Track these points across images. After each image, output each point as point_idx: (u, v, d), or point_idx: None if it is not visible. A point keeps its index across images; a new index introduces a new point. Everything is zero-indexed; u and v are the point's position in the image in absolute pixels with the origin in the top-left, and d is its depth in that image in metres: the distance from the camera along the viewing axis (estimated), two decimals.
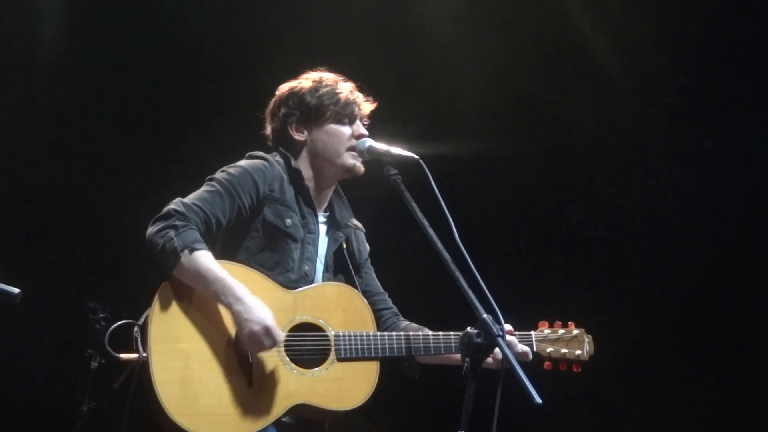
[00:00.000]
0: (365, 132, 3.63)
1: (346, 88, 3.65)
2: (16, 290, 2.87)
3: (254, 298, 3.24)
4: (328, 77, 3.69)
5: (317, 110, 3.60)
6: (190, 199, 3.37)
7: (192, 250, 3.22)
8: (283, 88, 3.71)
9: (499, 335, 2.80)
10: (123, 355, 3.23)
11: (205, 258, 3.24)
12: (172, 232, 3.23)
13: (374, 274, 3.83)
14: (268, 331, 3.20)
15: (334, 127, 3.60)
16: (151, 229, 3.29)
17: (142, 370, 3.18)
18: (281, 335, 3.25)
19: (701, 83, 5.99)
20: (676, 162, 6.20)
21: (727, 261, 6.11)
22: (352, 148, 3.59)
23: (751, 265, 6.09)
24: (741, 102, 5.97)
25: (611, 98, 6.14)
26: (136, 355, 3.19)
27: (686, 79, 5.99)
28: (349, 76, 3.77)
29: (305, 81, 3.68)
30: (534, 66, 6.16)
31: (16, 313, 4.34)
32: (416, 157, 3.36)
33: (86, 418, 5.76)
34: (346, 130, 3.61)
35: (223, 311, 3.28)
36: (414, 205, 3.24)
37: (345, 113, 3.61)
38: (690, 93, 6.03)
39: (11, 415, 6.08)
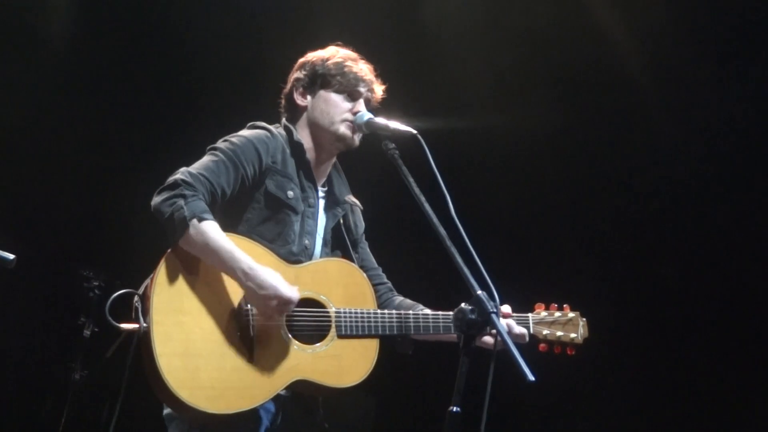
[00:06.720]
0: (365, 112, 3.62)
1: (359, 66, 3.67)
2: (11, 256, 2.87)
3: (264, 268, 3.22)
4: (347, 53, 3.71)
5: (323, 78, 3.63)
6: (195, 168, 3.34)
7: (201, 219, 3.20)
8: (305, 57, 3.75)
9: (492, 312, 2.81)
10: (123, 325, 3.18)
11: (213, 228, 3.22)
12: (180, 201, 3.20)
13: (369, 250, 3.84)
14: (281, 300, 3.21)
15: (334, 96, 3.62)
16: (157, 199, 3.26)
17: (141, 340, 3.16)
18: (296, 294, 3.24)
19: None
20: (680, 148, 6.18)
21: (725, 250, 6.12)
22: (347, 121, 3.59)
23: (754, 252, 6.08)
24: None
25: (617, 80, 6.10)
26: (136, 325, 3.15)
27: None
28: (349, 48, 3.77)
29: (325, 51, 3.72)
30: (538, 40, 6.12)
31: (10, 280, 4.35)
32: (414, 131, 3.37)
33: (78, 386, 5.78)
34: (345, 102, 3.62)
35: (227, 284, 3.27)
36: (411, 180, 3.25)
37: (349, 87, 3.62)
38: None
39: (2, 381, 6.09)
